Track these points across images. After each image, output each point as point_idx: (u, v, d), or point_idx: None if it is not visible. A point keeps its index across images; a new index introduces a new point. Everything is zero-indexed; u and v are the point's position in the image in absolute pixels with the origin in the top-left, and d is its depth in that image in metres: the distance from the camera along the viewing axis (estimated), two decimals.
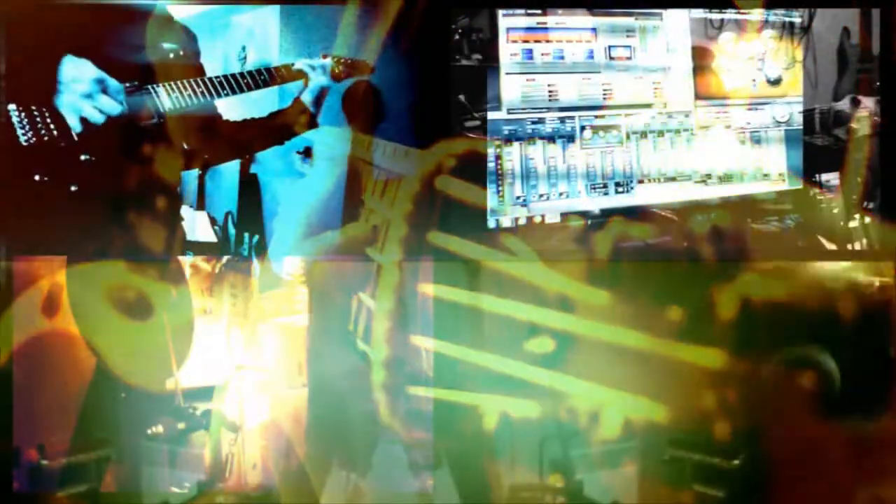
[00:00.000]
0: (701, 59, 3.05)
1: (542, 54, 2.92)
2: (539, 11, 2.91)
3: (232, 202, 3.06)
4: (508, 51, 2.89)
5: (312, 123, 2.95)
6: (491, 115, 2.88)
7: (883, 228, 2.99)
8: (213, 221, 3.06)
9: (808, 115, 3.07)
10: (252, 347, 3.05)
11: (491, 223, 2.90)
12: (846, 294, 2.91)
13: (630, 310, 2.84)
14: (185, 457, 2.96)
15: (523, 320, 2.89)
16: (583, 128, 2.96)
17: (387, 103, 2.99)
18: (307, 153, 3.02)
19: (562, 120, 2.94)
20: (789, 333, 2.87)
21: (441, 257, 2.88)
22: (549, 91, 2.93)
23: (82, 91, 2.69)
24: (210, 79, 2.82)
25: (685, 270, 2.93)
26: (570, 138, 2.95)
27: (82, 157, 2.71)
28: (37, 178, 2.69)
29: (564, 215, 2.95)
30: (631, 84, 3.00)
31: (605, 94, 2.98)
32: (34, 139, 2.67)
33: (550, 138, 2.93)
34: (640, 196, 3.01)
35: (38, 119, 2.67)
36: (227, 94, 2.83)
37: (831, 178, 3.07)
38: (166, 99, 2.78)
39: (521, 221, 2.92)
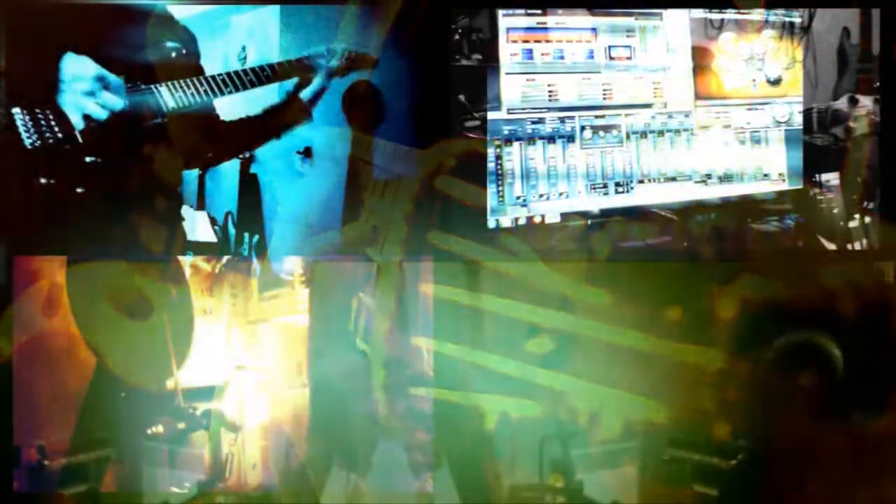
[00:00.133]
0: (701, 59, 3.05)
1: (542, 54, 2.92)
2: (539, 11, 2.90)
3: (232, 202, 3.06)
4: (508, 51, 2.89)
5: (308, 118, 2.95)
6: (491, 115, 2.88)
7: (883, 228, 2.99)
8: (213, 221, 3.06)
9: (806, 114, 3.07)
10: (252, 347, 3.05)
11: (491, 223, 2.90)
12: (846, 294, 2.90)
13: (630, 310, 2.84)
14: (185, 457, 2.95)
15: (523, 320, 2.89)
16: (583, 128, 2.96)
17: (387, 103, 2.99)
18: (307, 153, 3.02)
19: (562, 120, 2.94)
20: (789, 334, 2.87)
21: (441, 257, 2.87)
22: (549, 91, 2.93)
23: (84, 89, 2.69)
24: (213, 76, 2.82)
25: (685, 270, 2.93)
26: (570, 138, 2.95)
27: (87, 160, 2.71)
28: (42, 181, 2.69)
29: (564, 215, 2.95)
30: (631, 84, 3.00)
31: (605, 94, 2.98)
32: (39, 142, 2.66)
33: (550, 138, 2.93)
34: (640, 196, 3.01)
35: (43, 121, 2.66)
36: (230, 92, 2.82)
37: (831, 177, 3.07)
38: (169, 98, 2.78)
39: (521, 221, 2.92)
